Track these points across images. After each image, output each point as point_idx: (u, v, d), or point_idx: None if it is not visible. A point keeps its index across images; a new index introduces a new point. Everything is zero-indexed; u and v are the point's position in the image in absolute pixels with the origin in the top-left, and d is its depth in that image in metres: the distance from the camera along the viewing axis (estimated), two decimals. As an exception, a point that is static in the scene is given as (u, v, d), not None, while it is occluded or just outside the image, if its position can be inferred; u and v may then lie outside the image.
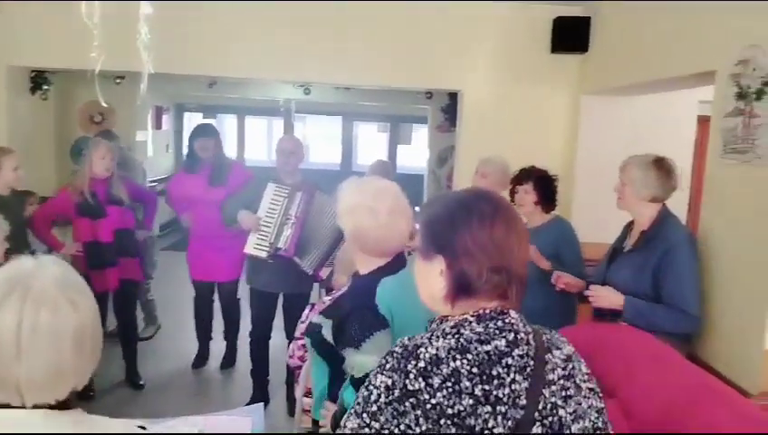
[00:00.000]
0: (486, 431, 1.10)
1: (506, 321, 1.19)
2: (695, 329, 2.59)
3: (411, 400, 1.10)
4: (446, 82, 4.93)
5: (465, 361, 1.12)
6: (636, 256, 2.69)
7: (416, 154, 11.46)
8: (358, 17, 4.53)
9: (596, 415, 1.22)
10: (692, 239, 2.68)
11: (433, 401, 1.09)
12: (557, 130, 4.63)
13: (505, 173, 3.61)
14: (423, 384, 1.10)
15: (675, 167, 2.71)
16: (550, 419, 1.15)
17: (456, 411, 1.09)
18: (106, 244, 3.95)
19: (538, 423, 1.13)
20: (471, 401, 1.10)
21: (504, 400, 1.11)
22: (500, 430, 1.10)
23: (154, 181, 8.68)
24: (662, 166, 2.68)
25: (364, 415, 1.13)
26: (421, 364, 1.12)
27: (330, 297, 2.86)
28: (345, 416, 1.18)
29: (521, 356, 1.15)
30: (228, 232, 4.05)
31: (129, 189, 4.22)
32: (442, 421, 1.09)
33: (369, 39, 4.56)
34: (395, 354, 1.16)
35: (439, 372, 1.11)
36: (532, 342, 1.19)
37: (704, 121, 4.40)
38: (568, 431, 1.17)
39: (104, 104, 3.82)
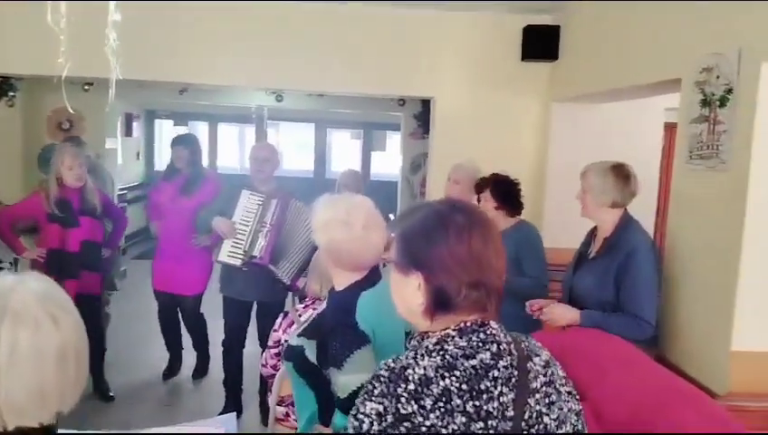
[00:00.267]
0: None
1: (488, 332, 1.19)
2: (646, 335, 2.61)
3: (405, 424, 1.08)
4: (418, 90, 4.96)
5: (453, 378, 1.11)
6: (599, 262, 2.73)
7: (389, 161, 11.49)
8: (330, 24, 4.54)
9: (575, 418, 1.24)
10: (651, 245, 2.72)
11: (427, 423, 1.08)
12: (528, 136, 4.69)
13: (477, 179, 3.65)
14: (416, 407, 1.08)
15: (633, 172, 2.76)
16: (536, 427, 1.15)
17: (450, 431, 1.08)
18: (72, 254, 3.86)
19: (525, 433, 1.14)
20: (464, 419, 1.09)
21: (494, 414, 1.11)
22: None
23: (124, 189, 8.58)
24: (620, 172, 2.72)
25: None
26: (411, 387, 1.10)
27: (303, 305, 2.85)
28: None
29: (505, 367, 1.15)
30: (195, 245, 4.03)
31: (104, 203, 4.16)
32: None
33: (341, 46, 4.57)
34: (382, 379, 1.13)
35: (430, 392, 1.09)
36: (514, 351, 1.19)
37: (670, 128, 4.50)
38: None
39: (72, 111, 3.77)
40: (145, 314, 5.85)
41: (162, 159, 11.23)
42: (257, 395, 4.12)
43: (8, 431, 1.01)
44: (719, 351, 2.50)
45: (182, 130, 11.05)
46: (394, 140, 11.34)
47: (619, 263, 2.63)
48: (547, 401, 1.18)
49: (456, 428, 1.08)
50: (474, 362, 1.14)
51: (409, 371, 1.12)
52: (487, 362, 1.14)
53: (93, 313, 4.12)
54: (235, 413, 2.60)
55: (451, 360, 1.13)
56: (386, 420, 1.09)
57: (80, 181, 3.90)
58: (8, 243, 3.90)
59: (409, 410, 1.08)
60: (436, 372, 1.11)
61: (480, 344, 1.16)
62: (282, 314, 2.97)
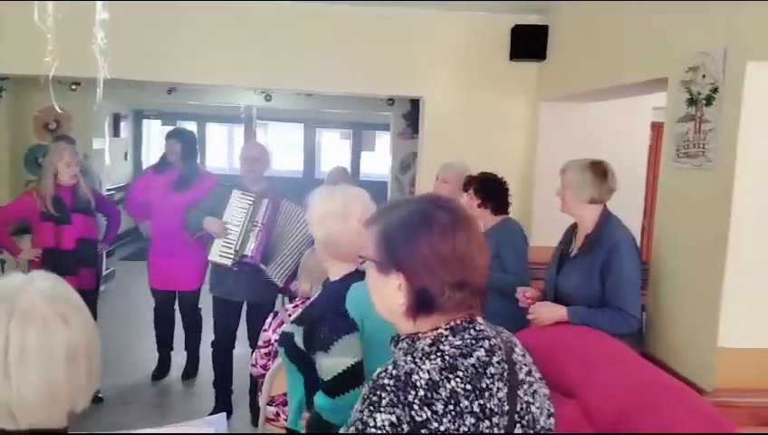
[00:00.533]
0: None
1: (477, 329, 1.18)
2: (632, 329, 2.64)
3: (423, 431, 1.05)
4: (407, 89, 4.96)
5: (458, 379, 1.09)
6: (582, 260, 2.76)
7: (379, 161, 11.49)
8: (319, 24, 4.53)
9: (548, 403, 1.24)
10: (632, 240, 2.76)
11: (442, 429, 1.06)
12: (517, 135, 4.71)
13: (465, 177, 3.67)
14: (429, 413, 1.06)
15: (611, 169, 2.80)
16: (526, 418, 1.16)
17: (461, 433, 1.07)
18: (67, 251, 3.85)
19: (518, 425, 1.14)
20: (473, 420, 1.08)
21: (496, 410, 1.11)
22: None
23: (111, 190, 8.53)
24: (597, 168, 2.77)
25: None
26: (421, 392, 1.07)
27: (293, 304, 2.86)
28: None
29: (498, 362, 1.15)
30: (190, 239, 4.00)
31: (96, 199, 4.15)
32: None
33: (330, 45, 4.57)
34: (388, 388, 1.08)
35: (439, 396, 1.07)
36: (501, 345, 1.19)
37: (657, 127, 4.53)
38: (539, 425, 1.19)
39: (59, 110, 3.74)
40: (133, 315, 5.83)
41: (150, 159, 11.17)
42: (247, 395, 4.11)
43: (21, 431, 1.01)
44: (706, 348, 2.52)
45: (170, 129, 10.99)
46: (383, 140, 11.35)
47: (603, 258, 2.67)
48: (531, 390, 1.19)
49: (466, 429, 1.07)
50: (471, 360, 1.12)
51: (415, 376, 1.09)
52: (483, 359, 1.13)
53: (90, 309, 4.12)
54: (225, 414, 2.60)
55: (451, 360, 1.11)
56: (401, 429, 1.05)
57: (75, 179, 3.91)
58: (3, 245, 3.88)
59: (424, 416, 1.06)
60: (441, 374, 1.09)
61: (473, 342, 1.15)
62: (272, 314, 2.96)
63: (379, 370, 1.12)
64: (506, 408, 1.12)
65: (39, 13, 2.21)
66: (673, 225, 2.84)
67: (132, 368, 4.81)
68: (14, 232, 4.12)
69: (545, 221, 3.99)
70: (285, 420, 2.46)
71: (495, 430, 1.10)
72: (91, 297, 4.14)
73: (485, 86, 4.66)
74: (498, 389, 1.12)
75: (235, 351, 4.12)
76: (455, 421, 1.06)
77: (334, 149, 12.69)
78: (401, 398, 1.07)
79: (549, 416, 1.22)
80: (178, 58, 4.50)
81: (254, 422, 3.86)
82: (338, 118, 11.09)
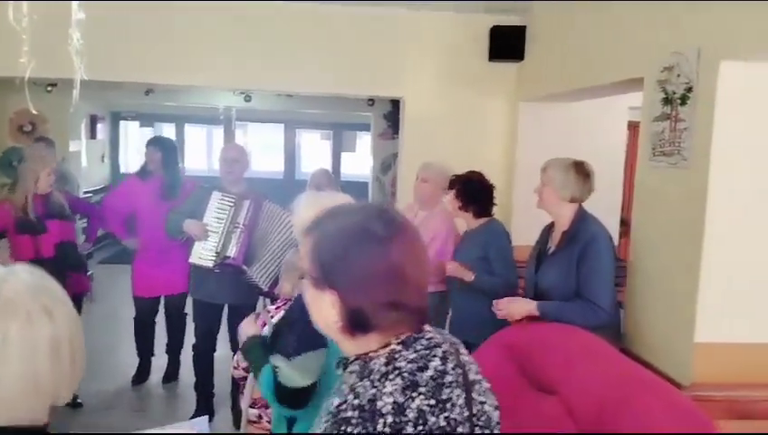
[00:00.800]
0: None
1: (428, 337, 1.14)
2: (601, 321, 2.68)
3: None
4: (387, 90, 4.98)
5: (422, 396, 1.05)
6: (560, 256, 2.81)
7: (360, 161, 11.49)
8: (299, 24, 4.53)
9: (493, 396, 1.21)
10: (607, 236, 2.81)
11: None
12: (496, 135, 4.74)
13: (446, 178, 3.68)
14: None
15: (592, 170, 2.85)
16: (483, 418, 1.14)
17: None
18: (49, 259, 3.77)
19: (477, 427, 1.12)
20: None
21: (460, 419, 1.09)
22: None
23: (89, 192, 8.42)
24: (581, 169, 2.82)
25: None
26: (390, 419, 1.02)
27: (275, 306, 2.84)
28: None
29: (453, 369, 1.12)
30: (178, 244, 3.97)
31: (72, 203, 4.10)
32: None
33: (310, 46, 4.56)
34: (353, 420, 1.02)
35: (407, 418, 1.03)
36: (451, 349, 1.15)
37: (634, 127, 4.60)
38: (493, 423, 1.17)
39: (34, 112, 3.68)
40: (113, 319, 5.77)
41: (128, 161, 11.05)
42: (229, 398, 4.09)
43: (3, 428, 1.00)
44: (682, 343, 2.56)
45: (148, 131, 10.91)
46: (364, 141, 11.35)
47: (579, 253, 2.72)
48: (482, 389, 1.17)
49: None
50: (429, 372, 1.08)
51: (379, 402, 1.03)
52: (440, 368, 1.09)
53: (79, 311, 4.08)
54: (207, 416, 2.59)
55: (411, 377, 1.06)
56: None
57: (51, 187, 3.84)
58: None
59: None
60: (404, 394, 1.04)
61: (427, 352, 1.11)
62: (253, 315, 2.95)
63: (336, 401, 1.05)
64: (466, 414, 1.10)
65: (14, 13, 2.18)
66: (649, 222, 2.88)
67: (112, 372, 4.75)
68: None
69: (525, 220, 4.02)
70: (268, 422, 2.45)
71: None
72: (81, 301, 4.14)
73: (465, 86, 4.69)
74: (458, 396, 1.10)
75: (216, 353, 4.10)
76: None
77: (315, 149, 12.66)
78: (369, 429, 1.01)
79: (495, 408, 1.19)
80: (156, 58, 4.47)
81: (236, 425, 3.84)
82: (318, 118, 11.07)
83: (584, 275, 2.69)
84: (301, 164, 12.39)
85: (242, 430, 2.75)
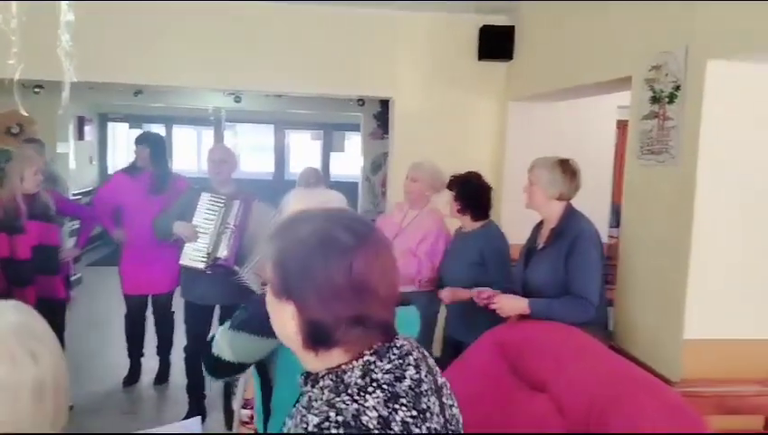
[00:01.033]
0: None
1: (399, 345, 1.09)
2: (590, 316, 2.69)
3: None
4: (376, 90, 4.98)
5: (404, 408, 1.01)
6: (549, 252, 2.82)
7: (349, 162, 11.49)
8: (288, 24, 4.52)
9: (454, 395, 1.18)
10: (595, 232, 2.83)
11: None
12: (486, 135, 4.76)
13: (436, 178, 3.69)
14: None
15: (578, 168, 2.87)
16: (453, 422, 1.13)
17: None
18: (24, 261, 3.74)
19: (450, 431, 1.10)
20: None
21: (439, 428, 1.06)
22: None
23: (78, 194, 8.37)
24: (567, 167, 2.84)
25: None
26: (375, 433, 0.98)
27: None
28: None
29: (426, 375, 1.09)
30: (163, 242, 3.95)
31: (61, 205, 4.04)
32: None
33: (299, 46, 4.56)
34: None
35: (393, 432, 0.99)
36: (420, 355, 1.12)
37: (622, 126, 4.62)
38: (461, 425, 1.16)
39: (25, 113, 3.64)
40: (103, 321, 5.74)
41: (116, 162, 10.99)
42: (221, 399, 4.08)
43: None
44: (672, 340, 2.59)
45: (137, 132, 10.84)
46: (353, 141, 11.35)
47: (567, 249, 2.73)
48: (449, 392, 1.15)
49: None
50: (407, 382, 1.04)
51: (364, 417, 0.97)
52: (414, 377, 1.06)
53: (56, 318, 4.01)
54: (199, 417, 2.58)
55: (390, 389, 1.02)
56: None
57: (38, 187, 3.79)
58: None
59: None
60: (386, 407, 0.99)
61: (401, 361, 1.06)
62: None
63: (315, 420, 0.97)
64: (442, 420, 1.08)
65: (3, 14, 2.17)
66: (639, 220, 2.91)
67: (103, 374, 4.73)
68: None
69: (514, 219, 4.03)
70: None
71: None
72: (58, 307, 4.03)
73: (454, 86, 4.71)
74: (433, 403, 1.07)
75: (207, 355, 4.08)
76: None
77: (304, 150, 12.65)
78: None
79: (459, 409, 1.17)
80: (144, 59, 4.45)
81: (228, 426, 3.83)
82: (308, 119, 11.06)
83: (572, 271, 2.70)
84: (290, 164, 12.37)
85: (234, 431, 2.74)
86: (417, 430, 1.01)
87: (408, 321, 1.86)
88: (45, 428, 1.03)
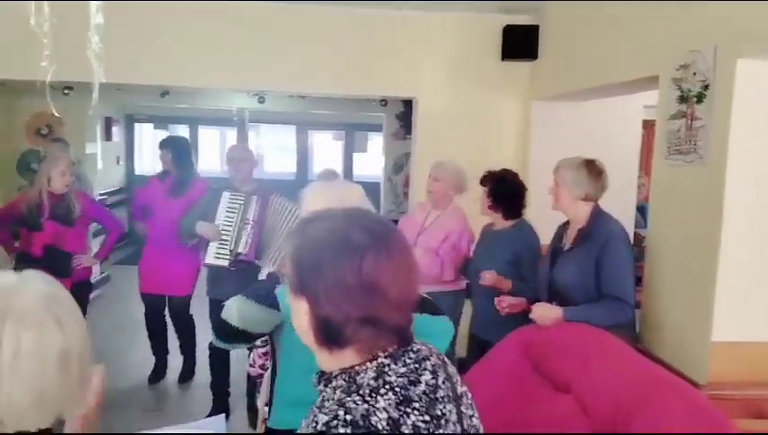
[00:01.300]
0: None
1: (415, 349, 1.09)
2: (629, 317, 2.68)
3: None
4: (400, 90, 4.98)
5: (416, 412, 1.00)
6: (577, 252, 2.80)
7: (371, 162, 11.50)
8: (312, 25, 4.54)
9: (475, 406, 1.17)
10: (624, 233, 2.80)
11: None
12: (509, 135, 4.74)
13: (459, 177, 3.68)
14: None
15: (604, 168, 2.84)
16: (472, 430, 1.11)
17: None
18: (34, 258, 3.79)
19: None
20: None
21: None
22: None
23: (104, 194, 8.50)
24: (592, 167, 2.81)
25: None
26: None
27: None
28: None
29: (443, 382, 1.08)
30: (182, 245, 4.00)
31: (89, 208, 4.09)
32: None
33: (323, 47, 4.58)
34: None
35: (402, 434, 0.98)
36: (439, 361, 1.11)
37: (649, 125, 4.57)
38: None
39: (56, 114, 3.72)
40: (129, 318, 5.82)
41: (143, 163, 11.14)
42: (245, 397, 4.12)
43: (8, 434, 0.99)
44: (699, 342, 2.55)
45: (162, 133, 10.98)
46: (375, 142, 11.36)
47: (597, 251, 2.70)
48: (469, 402, 1.13)
49: None
50: (421, 386, 1.04)
51: (374, 418, 0.97)
52: (431, 382, 1.05)
53: None
54: (224, 415, 2.61)
55: (403, 392, 1.01)
56: None
57: (66, 188, 3.86)
58: (1, 241, 3.93)
59: None
60: (398, 409, 0.99)
61: (417, 366, 1.06)
62: None
63: (323, 418, 0.98)
64: (458, 430, 1.06)
65: (36, 17, 2.22)
66: (666, 221, 2.87)
67: (128, 371, 4.80)
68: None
69: (538, 219, 4.01)
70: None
71: None
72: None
73: (478, 86, 4.69)
74: (450, 411, 1.06)
75: (231, 352, 4.12)
76: None
77: (327, 150, 12.69)
78: None
79: (479, 420, 1.15)
80: (171, 61, 4.50)
81: (252, 424, 3.87)
82: (330, 119, 11.10)
83: (606, 274, 2.67)
84: (313, 165, 12.42)
85: (258, 430, 2.77)
86: None
87: (440, 331, 1.86)
88: (70, 395, 1.03)
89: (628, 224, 4.12)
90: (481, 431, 1.14)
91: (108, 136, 9.46)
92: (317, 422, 0.98)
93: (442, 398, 1.05)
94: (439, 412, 1.03)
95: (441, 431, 1.02)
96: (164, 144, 4.55)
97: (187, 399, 4.51)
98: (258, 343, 2.88)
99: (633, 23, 3.21)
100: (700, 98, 2.58)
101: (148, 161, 10.98)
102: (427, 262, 3.43)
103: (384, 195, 8.76)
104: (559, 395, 2.24)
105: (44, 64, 2.28)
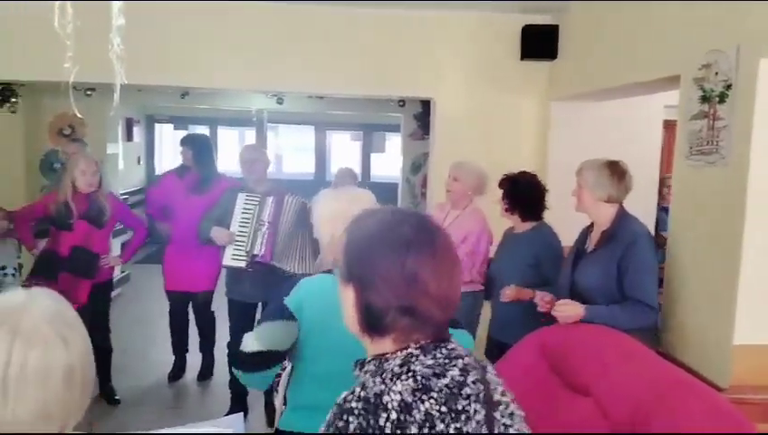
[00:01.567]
0: None
1: (449, 347, 1.12)
2: (653, 321, 2.66)
3: None
4: (418, 90, 4.97)
5: (432, 401, 1.03)
6: (600, 254, 2.77)
7: (389, 162, 11.51)
8: (329, 26, 4.56)
9: (524, 425, 1.18)
10: (649, 235, 2.78)
11: None
12: (528, 135, 4.71)
13: (479, 178, 3.67)
14: None
15: (627, 169, 2.81)
16: None
17: None
18: (62, 257, 3.85)
19: None
20: None
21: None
22: None
23: (125, 194, 8.60)
24: (615, 168, 2.78)
25: None
26: (393, 415, 1.01)
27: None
28: None
29: (474, 383, 1.09)
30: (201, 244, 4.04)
31: (120, 212, 4.16)
32: None
33: (341, 47, 4.59)
34: (356, 411, 1.02)
35: (413, 419, 1.01)
36: (475, 364, 1.13)
37: (670, 126, 4.52)
38: None
39: (79, 115, 3.77)
40: (149, 317, 5.89)
41: (163, 163, 11.25)
42: (262, 396, 4.14)
43: None
44: (721, 345, 2.52)
45: (182, 134, 11.08)
46: (393, 142, 11.36)
47: (621, 253, 2.67)
48: (508, 411, 1.14)
49: None
50: (446, 380, 1.06)
51: (386, 397, 1.02)
52: (458, 379, 1.08)
53: (102, 314, 4.15)
54: (242, 414, 2.62)
55: (424, 381, 1.05)
56: None
57: (90, 187, 3.89)
58: (22, 240, 3.96)
59: None
60: (414, 395, 1.03)
61: (447, 361, 1.09)
62: None
63: (344, 393, 1.06)
64: (485, 432, 1.07)
65: (59, 19, 2.25)
66: (688, 222, 2.84)
67: (148, 370, 4.86)
68: (38, 233, 4.19)
69: (557, 221, 3.99)
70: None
71: None
72: (103, 304, 4.16)
73: (496, 86, 4.67)
74: (476, 411, 1.06)
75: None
76: None
77: (345, 150, 12.73)
78: (371, 422, 1.00)
79: (516, 430, 1.15)
80: (191, 62, 4.54)
81: (270, 423, 3.89)
82: (348, 120, 11.13)
83: (631, 277, 2.64)
84: (331, 165, 12.46)
85: (275, 428, 2.78)
86: (441, 426, 1.02)
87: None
88: (72, 411, 1.06)
89: (650, 226, 4.08)
90: None
91: (129, 136, 9.57)
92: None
93: (468, 395, 1.07)
94: (460, 407, 1.05)
95: (458, 425, 1.03)
96: (185, 141, 4.61)
97: (206, 397, 4.56)
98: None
99: (654, 22, 3.18)
100: (722, 98, 2.55)
101: (168, 161, 11.08)
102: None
103: (402, 195, 8.75)
104: (577, 397, 2.22)
105: (67, 66, 2.31)
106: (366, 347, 1.16)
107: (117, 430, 3.81)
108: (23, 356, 0.99)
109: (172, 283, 4.52)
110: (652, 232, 4.08)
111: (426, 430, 1.01)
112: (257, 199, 3.79)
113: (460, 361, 1.11)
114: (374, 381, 1.06)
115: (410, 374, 1.06)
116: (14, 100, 5.67)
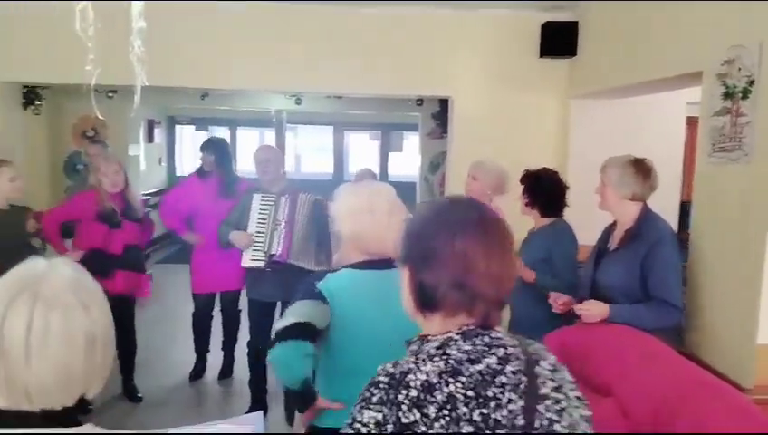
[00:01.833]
0: None
1: (492, 336, 1.13)
2: (676, 321, 2.61)
3: (408, 434, 1.02)
4: (436, 89, 4.97)
5: (459, 384, 1.05)
6: (623, 253, 2.73)
7: (407, 161, 11.51)
8: (348, 26, 4.57)
9: (586, 424, 1.15)
10: (673, 235, 2.73)
11: (431, 433, 1.01)
12: (547, 133, 4.68)
13: (498, 177, 3.64)
14: (419, 416, 1.02)
15: (653, 167, 2.76)
16: (542, 432, 1.09)
17: None
18: (114, 256, 3.94)
19: None
20: (471, 429, 1.03)
21: (503, 422, 1.05)
22: None
23: (147, 195, 8.70)
24: (640, 166, 2.73)
25: None
26: (413, 393, 1.03)
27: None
28: None
29: (513, 373, 1.09)
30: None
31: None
32: None
33: (359, 47, 4.60)
34: (381, 385, 1.06)
35: (434, 399, 1.03)
36: (521, 356, 1.13)
37: (692, 123, 4.46)
38: None
39: (100, 117, 3.82)
40: (170, 317, 5.95)
41: (183, 164, 11.37)
42: (282, 395, 4.16)
43: (34, 412, 1.04)
44: (745, 344, 2.48)
45: (203, 135, 11.19)
46: (411, 141, 11.37)
47: (644, 252, 2.63)
48: (557, 407, 1.11)
49: None
50: (479, 366, 1.08)
51: (410, 376, 1.06)
52: (494, 366, 1.09)
53: (127, 313, 4.20)
54: (262, 412, 2.63)
55: (455, 365, 1.07)
56: (384, 430, 1.03)
57: (114, 187, 3.95)
58: (52, 242, 3.98)
59: (411, 418, 1.02)
60: (440, 377, 1.05)
61: (486, 349, 1.11)
62: None
63: (381, 366, 1.11)
64: (521, 422, 1.06)
65: (80, 22, 2.28)
66: (710, 220, 2.80)
67: (170, 369, 4.90)
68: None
69: (577, 219, 3.96)
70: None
71: None
72: (130, 304, 4.24)
73: (515, 84, 4.64)
74: (510, 400, 1.06)
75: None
76: (448, 427, 1.02)
77: (363, 150, 12.76)
78: (391, 396, 1.04)
79: (564, 428, 1.11)
80: (211, 64, 4.58)
81: (289, 422, 3.91)
82: (366, 119, 11.15)
83: (655, 277, 2.60)
84: (349, 165, 12.50)
85: (295, 428, 2.79)
86: (464, 409, 1.03)
87: None
88: (94, 376, 1.09)
89: (672, 223, 4.03)
90: None
91: (150, 138, 9.68)
92: None
93: (502, 384, 1.07)
94: (491, 394, 1.06)
95: (484, 411, 1.04)
96: (205, 146, 4.61)
97: (227, 396, 4.59)
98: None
99: (675, 17, 3.14)
100: (745, 94, 2.51)
101: (189, 162, 11.19)
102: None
103: (420, 194, 8.74)
104: (598, 397, 2.20)
105: (89, 68, 2.34)
106: (421, 327, 1.21)
107: (139, 428, 3.85)
108: (44, 321, 1.02)
109: (201, 285, 4.55)
110: (675, 230, 4.04)
111: (445, 412, 1.03)
112: (272, 200, 3.81)
113: (502, 350, 1.12)
114: (407, 360, 1.10)
115: (444, 357, 1.09)
116: (37, 102, 5.76)
